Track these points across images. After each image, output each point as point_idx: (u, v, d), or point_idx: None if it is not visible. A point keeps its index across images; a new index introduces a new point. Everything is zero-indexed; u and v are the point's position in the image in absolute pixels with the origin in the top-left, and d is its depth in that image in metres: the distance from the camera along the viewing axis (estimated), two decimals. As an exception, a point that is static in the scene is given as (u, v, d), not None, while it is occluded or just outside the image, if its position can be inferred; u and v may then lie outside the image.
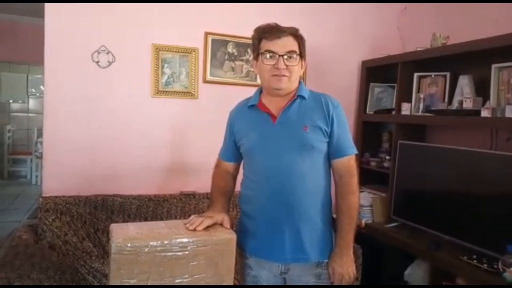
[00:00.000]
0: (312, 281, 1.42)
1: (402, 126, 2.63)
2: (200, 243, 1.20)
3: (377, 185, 2.86)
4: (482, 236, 2.06)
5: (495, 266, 1.87)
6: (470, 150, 2.18)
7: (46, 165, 2.41)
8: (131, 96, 2.50)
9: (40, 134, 6.33)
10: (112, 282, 1.11)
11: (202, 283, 1.20)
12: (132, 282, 1.11)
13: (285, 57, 1.36)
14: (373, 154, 2.95)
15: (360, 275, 2.28)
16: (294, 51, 1.38)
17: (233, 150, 1.56)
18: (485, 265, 1.90)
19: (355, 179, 1.44)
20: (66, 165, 2.41)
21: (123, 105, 2.49)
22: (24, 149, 6.77)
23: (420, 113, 2.50)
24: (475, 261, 1.95)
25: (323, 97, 1.46)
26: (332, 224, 1.48)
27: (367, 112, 2.95)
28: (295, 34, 1.39)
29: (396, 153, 2.59)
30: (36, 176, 6.31)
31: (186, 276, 1.18)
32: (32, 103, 7.02)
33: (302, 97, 1.44)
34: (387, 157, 2.79)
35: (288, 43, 1.37)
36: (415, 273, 2.36)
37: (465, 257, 1.99)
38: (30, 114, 7.01)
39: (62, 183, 2.39)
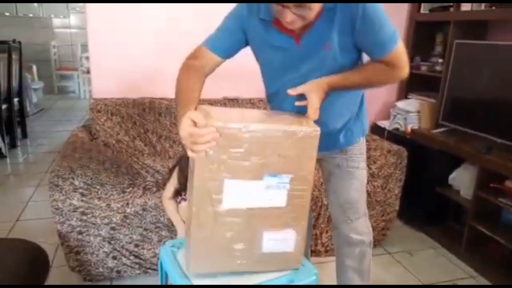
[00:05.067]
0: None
1: (460, 24, 2.41)
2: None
3: (425, 92, 2.73)
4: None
5: (551, 167, 1.80)
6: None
7: (94, 69, 2.47)
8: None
9: (84, 50, 6.45)
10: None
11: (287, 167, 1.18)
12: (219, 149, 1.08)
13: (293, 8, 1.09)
14: (424, 59, 2.76)
15: (403, 179, 2.28)
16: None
17: (232, 45, 1.31)
18: (540, 166, 1.83)
19: (402, 72, 1.24)
20: (112, 69, 2.45)
21: (169, 6, 2.43)
22: (70, 65, 6.97)
23: (483, 8, 2.26)
24: (529, 162, 1.88)
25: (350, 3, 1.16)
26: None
27: (421, 11, 2.71)
28: None
29: (451, 54, 2.41)
30: (84, 91, 6.56)
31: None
32: (73, 18, 7.04)
33: (330, 9, 1.17)
34: (440, 61, 2.61)
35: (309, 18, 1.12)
36: (461, 176, 2.33)
37: (518, 159, 1.92)
38: (72, 30, 7.07)
39: (110, 86, 2.46)
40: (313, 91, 1.19)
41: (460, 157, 2.28)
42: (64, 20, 7.02)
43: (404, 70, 1.24)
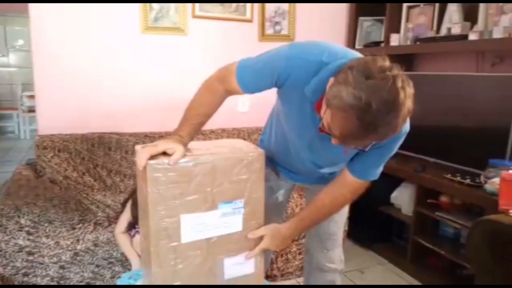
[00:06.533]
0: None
1: (390, 58, 2.66)
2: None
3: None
4: (466, 156, 2.17)
5: (477, 181, 2.00)
6: (455, 74, 2.26)
7: (39, 105, 2.41)
8: (121, 32, 2.47)
9: (24, 89, 6.20)
10: (150, 190, 1.09)
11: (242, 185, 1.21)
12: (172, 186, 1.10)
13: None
14: (362, 89, 3.01)
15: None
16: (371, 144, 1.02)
17: (258, 86, 1.20)
18: (468, 180, 2.03)
19: (352, 199, 1.34)
20: (59, 104, 2.41)
21: (114, 41, 2.47)
22: (8, 105, 6.64)
23: (409, 43, 2.53)
24: (458, 177, 2.07)
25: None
26: None
27: (356, 47, 2.97)
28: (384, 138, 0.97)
29: (384, 84, 2.65)
30: (25, 131, 6.24)
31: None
32: (12, 57, 6.80)
33: None
34: (376, 90, 2.85)
35: (366, 143, 1.00)
36: (401, 195, 2.50)
37: (449, 175, 2.12)
38: (11, 69, 6.80)
39: (57, 121, 2.40)
40: (270, 237, 1.24)
41: (399, 177, 2.46)
42: (3, 59, 6.76)
43: (354, 197, 1.31)
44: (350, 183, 1.25)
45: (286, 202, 1.64)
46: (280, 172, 1.50)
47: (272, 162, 1.48)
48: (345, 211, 1.56)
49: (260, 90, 1.21)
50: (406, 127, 1.15)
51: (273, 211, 1.52)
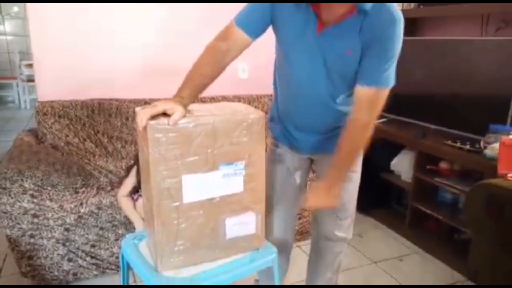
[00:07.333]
0: None
1: (394, 23, 2.62)
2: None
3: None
4: (466, 122, 2.17)
5: (477, 146, 2.01)
6: (458, 39, 2.22)
7: (38, 72, 2.39)
8: (118, -4, 2.42)
9: (23, 57, 6.12)
10: (151, 150, 1.10)
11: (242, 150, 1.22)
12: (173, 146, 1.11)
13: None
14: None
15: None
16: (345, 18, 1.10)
17: (259, 22, 1.25)
18: (468, 146, 2.03)
19: (374, 115, 1.26)
20: (58, 71, 2.39)
21: (111, 6, 2.40)
22: (7, 74, 6.58)
23: (412, 7, 2.48)
24: (458, 143, 2.08)
25: (383, 12, 1.13)
26: None
27: (359, 11, 2.91)
28: None
29: (387, 50, 2.61)
30: (25, 101, 6.21)
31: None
32: (8, 25, 6.67)
33: (363, 11, 1.13)
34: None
35: (339, 10, 1.10)
36: (401, 162, 2.52)
37: (449, 141, 2.12)
38: (8, 37, 6.69)
39: (56, 88, 2.39)
40: (312, 194, 1.31)
41: (400, 144, 2.47)
42: (-2, 27, 6.64)
43: (373, 114, 1.25)
44: (363, 100, 1.21)
45: (304, 186, 1.60)
46: (293, 140, 1.46)
47: (284, 128, 1.46)
48: (356, 180, 1.55)
49: (262, 22, 1.24)
50: (399, 14, 1.16)
51: (291, 195, 1.52)
